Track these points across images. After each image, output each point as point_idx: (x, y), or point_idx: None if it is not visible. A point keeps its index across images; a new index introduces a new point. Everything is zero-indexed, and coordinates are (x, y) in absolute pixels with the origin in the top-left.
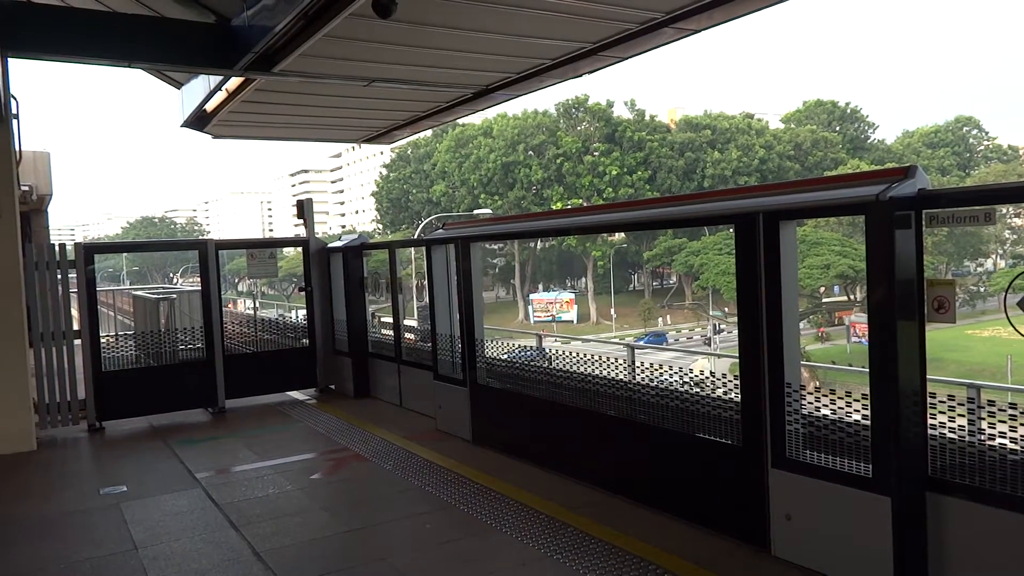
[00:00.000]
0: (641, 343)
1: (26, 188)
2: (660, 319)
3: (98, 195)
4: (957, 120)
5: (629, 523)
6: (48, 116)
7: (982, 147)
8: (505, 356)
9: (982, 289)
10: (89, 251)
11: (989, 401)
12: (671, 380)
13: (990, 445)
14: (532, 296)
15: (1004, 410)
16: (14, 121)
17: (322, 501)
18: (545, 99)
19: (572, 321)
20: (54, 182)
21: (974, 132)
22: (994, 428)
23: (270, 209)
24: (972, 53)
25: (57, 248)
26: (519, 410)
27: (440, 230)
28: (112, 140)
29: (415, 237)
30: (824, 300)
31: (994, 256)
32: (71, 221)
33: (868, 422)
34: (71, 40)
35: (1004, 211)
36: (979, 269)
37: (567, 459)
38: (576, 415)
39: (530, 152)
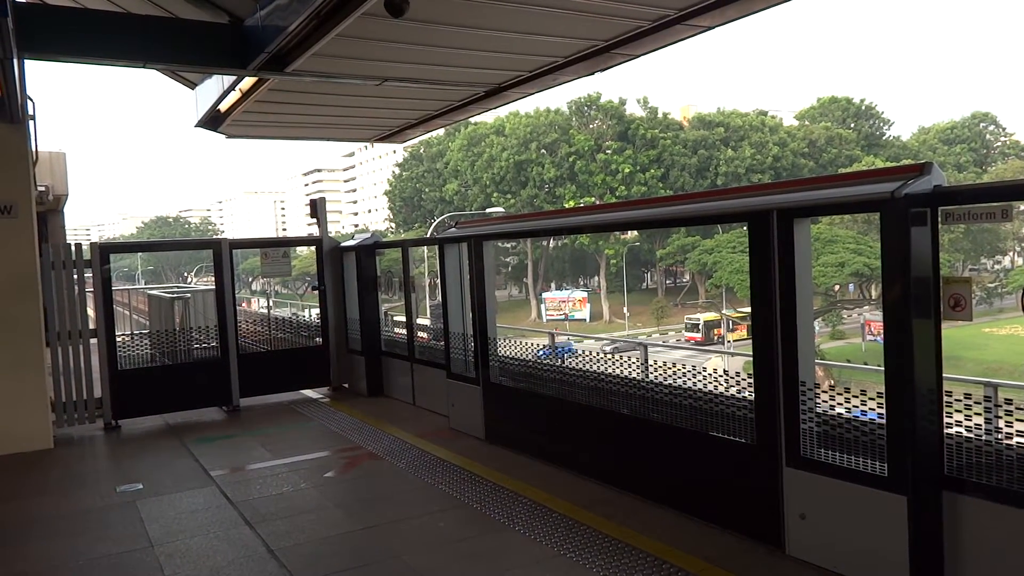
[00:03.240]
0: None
1: (42, 188)
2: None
3: (113, 195)
4: (974, 116)
5: (642, 521)
6: (64, 117)
7: (999, 143)
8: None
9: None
10: (105, 251)
11: (1007, 400)
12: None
13: (1007, 444)
14: (545, 294)
15: (1022, 408)
16: (31, 122)
17: (336, 499)
18: (557, 97)
19: (585, 319)
20: (70, 182)
21: (991, 128)
22: (1012, 427)
23: (283, 208)
24: (989, 48)
25: (73, 248)
26: (532, 408)
27: (453, 229)
28: (127, 140)
29: (428, 236)
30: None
31: (1012, 253)
32: (87, 221)
33: (884, 421)
34: (86, 41)
35: (1022, 208)
36: (996, 267)
37: (580, 457)
38: (589, 413)
39: (542, 150)
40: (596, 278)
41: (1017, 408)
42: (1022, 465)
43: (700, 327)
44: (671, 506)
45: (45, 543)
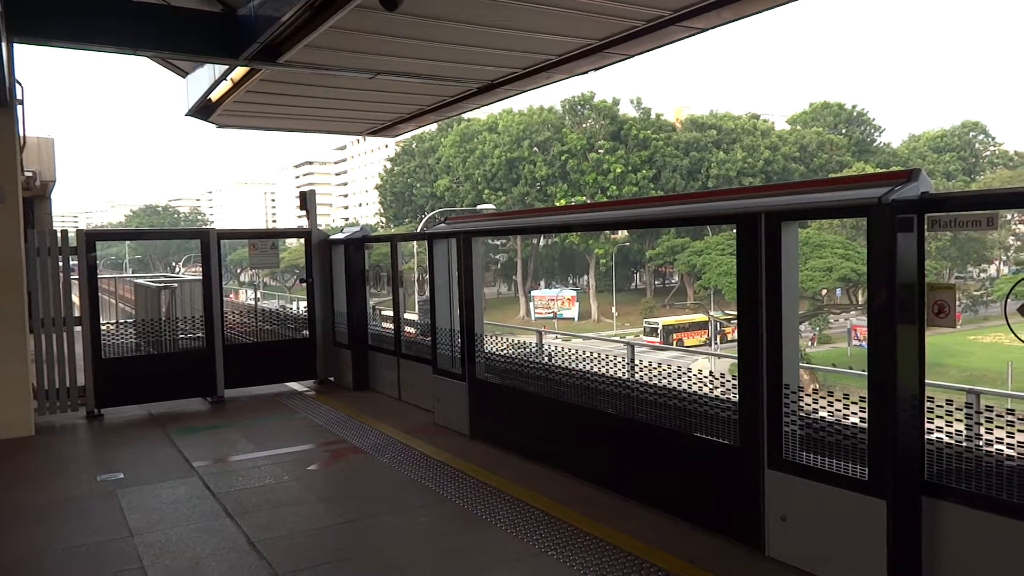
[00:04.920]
0: None
1: (30, 174)
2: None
3: (102, 183)
4: (964, 125)
5: (624, 520)
6: (53, 102)
7: (988, 152)
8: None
9: (984, 296)
10: (91, 238)
11: (987, 407)
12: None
13: (987, 451)
14: (534, 292)
15: (1002, 416)
16: (19, 106)
17: (318, 492)
18: (551, 95)
19: (573, 318)
20: (58, 169)
21: (980, 137)
22: (991, 434)
23: (273, 200)
24: (980, 57)
25: (59, 234)
26: (517, 406)
27: (442, 224)
28: (116, 127)
29: (418, 231)
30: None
31: (997, 262)
32: (74, 208)
33: (865, 425)
34: (77, 26)
35: (1008, 217)
36: (982, 275)
37: (564, 455)
38: (574, 412)
39: (535, 148)
40: (585, 277)
41: (998, 415)
42: (1001, 472)
43: (659, 331)
44: (654, 506)
45: (24, 531)
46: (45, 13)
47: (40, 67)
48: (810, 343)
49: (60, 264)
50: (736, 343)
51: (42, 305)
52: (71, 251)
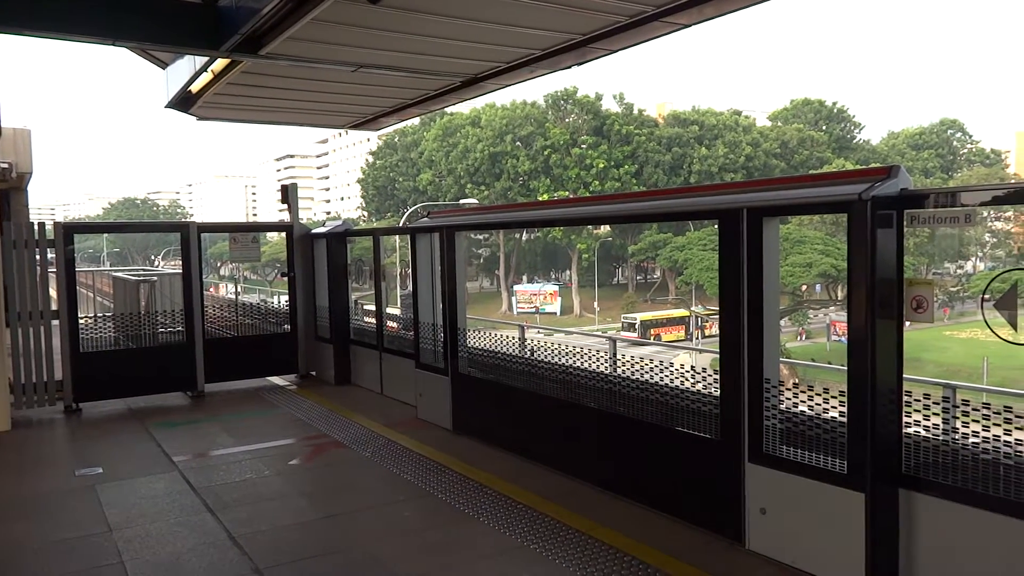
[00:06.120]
0: None
1: (5, 165)
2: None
3: (80, 175)
4: (942, 123)
5: (606, 514)
6: (30, 93)
7: (966, 150)
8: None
9: (961, 292)
10: (69, 231)
11: (964, 401)
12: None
13: (963, 444)
14: (516, 287)
15: (978, 410)
16: None
17: (300, 487)
18: (534, 90)
19: (555, 313)
20: (35, 160)
21: (958, 135)
22: (968, 428)
23: (254, 193)
24: (959, 56)
25: (36, 227)
26: (500, 400)
27: (425, 219)
28: (95, 119)
29: (400, 225)
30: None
31: (974, 259)
32: (52, 200)
33: (844, 419)
34: (55, 15)
35: (985, 214)
36: (959, 271)
37: (546, 449)
38: (556, 406)
39: (518, 143)
40: (568, 272)
41: (973, 409)
42: (976, 465)
43: (637, 326)
44: (636, 499)
45: (0, 526)
46: (22, 1)
47: (17, 57)
48: (799, 338)
49: (37, 257)
50: (716, 338)
51: (19, 299)
52: (48, 244)
